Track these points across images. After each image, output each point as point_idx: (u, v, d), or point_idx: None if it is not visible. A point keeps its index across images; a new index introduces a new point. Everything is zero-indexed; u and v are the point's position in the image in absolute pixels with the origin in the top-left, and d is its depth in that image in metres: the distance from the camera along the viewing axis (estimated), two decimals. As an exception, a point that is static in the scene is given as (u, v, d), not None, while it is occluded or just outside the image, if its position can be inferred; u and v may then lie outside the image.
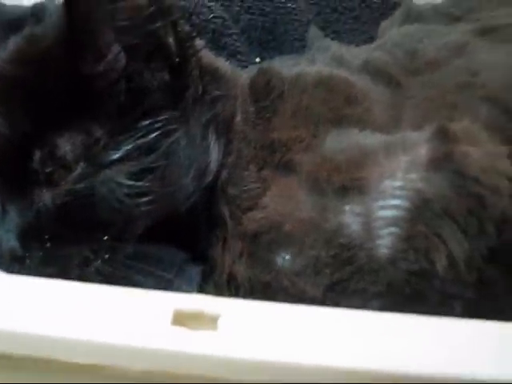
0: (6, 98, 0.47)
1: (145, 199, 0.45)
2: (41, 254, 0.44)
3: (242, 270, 0.48)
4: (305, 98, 0.53)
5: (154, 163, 0.46)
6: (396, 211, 0.43)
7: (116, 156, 0.45)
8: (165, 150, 0.46)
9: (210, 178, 0.50)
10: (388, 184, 0.45)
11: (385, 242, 0.43)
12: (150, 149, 0.46)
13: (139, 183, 0.45)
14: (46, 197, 0.45)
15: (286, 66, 0.59)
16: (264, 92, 0.54)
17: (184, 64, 0.49)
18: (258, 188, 0.50)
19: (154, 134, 0.46)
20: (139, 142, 0.46)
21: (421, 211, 0.43)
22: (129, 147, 0.45)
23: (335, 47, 0.66)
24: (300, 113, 0.52)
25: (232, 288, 0.48)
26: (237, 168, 0.51)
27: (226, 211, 0.50)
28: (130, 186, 0.45)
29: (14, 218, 0.45)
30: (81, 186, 0.45)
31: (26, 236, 0.45)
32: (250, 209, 0.49)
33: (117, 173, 0.45)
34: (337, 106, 0.53)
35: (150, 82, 0.47)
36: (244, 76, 0.58)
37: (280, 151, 0.51)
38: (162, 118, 0.47)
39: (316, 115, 0.52)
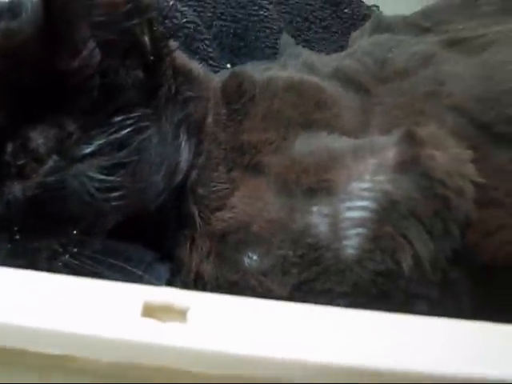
0: None
1: (115, 194, 0.46)
2: (9, 245, 0.44)
3: (209, 269, 0.48)
4: (276, 101, 0.54)
5: (125, 159, 0.46)
6: (363, 212, 0.44)
7: (88, 150, 0.45)
8: (136, 146, 0.47)
9: (180, 177, 0.50)
10: (355, 186, 0.45)
11: (352, 243, 0.44)
12: (121, 144, 0.46)
13: (110, 178, 0.45)
14: (16, 189, 0.45)
15: (257, 71, 0.60)
16: (236, 95, 0.55)
17: (158, 63, 0.50)
18: (227, 189, 0.50)
19: (126, 130, 0.46)
20: (111, 137, 0.46)
21: (387, 212, 0.44)
22: (101, 142, 0.45)
23: (306, 54, 0.67)
24: (270, 116, 0.53)
25: (199, 287, 0.48)
26: (206, 168, 0.52)
27: (194, 211, 0.51)
28: (101, 181, 0.45)
29: None
30: (52, 178, 0.45)
31: None
32: (219, 209, 0.50)
33: (88, 167, 0.45)
34: (307, 110, 0.54)
35: (124, 78, 0.48)
36: (216, 79, 0.59)
37: (250, 153, 0.51)
38: (135, 114, 0.47)
39: (286, 119, 0.52)
